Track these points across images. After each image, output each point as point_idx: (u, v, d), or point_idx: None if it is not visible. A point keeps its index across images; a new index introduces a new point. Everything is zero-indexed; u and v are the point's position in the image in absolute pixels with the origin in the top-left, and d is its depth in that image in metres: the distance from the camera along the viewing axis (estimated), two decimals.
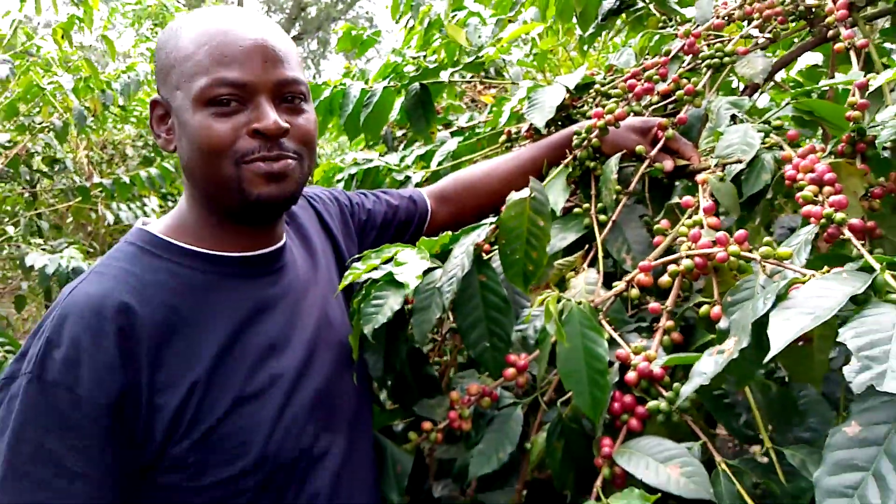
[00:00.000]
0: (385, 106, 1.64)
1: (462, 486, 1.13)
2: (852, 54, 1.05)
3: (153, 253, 0.80)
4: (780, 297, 0.61)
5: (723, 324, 0.67)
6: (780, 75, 1.62)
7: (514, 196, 0.88)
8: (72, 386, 0.69)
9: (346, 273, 0.85)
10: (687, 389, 0.65)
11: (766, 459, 0.69)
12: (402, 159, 1.54)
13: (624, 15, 1.74)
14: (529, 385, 0.92)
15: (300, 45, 25.13)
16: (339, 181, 1.80)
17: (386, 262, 0.84)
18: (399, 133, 2.69)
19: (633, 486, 0.64)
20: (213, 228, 0.83)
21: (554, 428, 0.83)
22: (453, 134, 1.81)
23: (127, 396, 0.71)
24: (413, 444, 0.94)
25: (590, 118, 1.10)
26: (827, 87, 1.13)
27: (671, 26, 1.48)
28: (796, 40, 1.27)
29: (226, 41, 0.77)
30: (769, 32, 1.17)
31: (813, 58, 1.60)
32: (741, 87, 1.26)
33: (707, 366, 0.63)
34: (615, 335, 0.79)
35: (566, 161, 1.10)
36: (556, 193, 1.06)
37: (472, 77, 2.15)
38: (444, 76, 1.62)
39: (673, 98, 1.10)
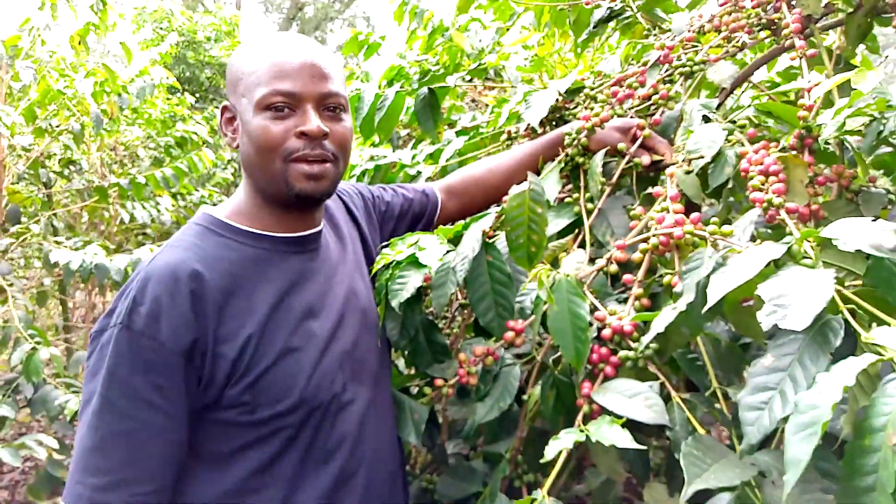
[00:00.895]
0: (396, 109, 1.81)
1: (472, 445, 1.31)
2: (825, 56, 1.22)
3: (216, 232, 0.97)
4: (720, 264, 0.78)
5: (678, 288, 0.84)
6: (762, 75, 1.79)
7: (515, 189, 1.05)
8: (154, 335, 0.86)
9: (378, 257, 1.02)
10: (647, 338, 0.82)
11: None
12: (413, 157, 1.70)
13: (614, 22, 1.91)
14: (526, 348, 1.09)
15: None
16: (352, 176, 1.98)
17: (410, 248, 1.01)
18: (403, 133, 2.86)
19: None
20: (264, 213, 1.00)
21: (547, 380, 1.00)
22: (458, 133, 1.98)
23: (196, 346, 0.88)
24: (428, 398, 1.11)
25: (579, 119, 1.27)
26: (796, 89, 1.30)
27: (654, 34, 1.65)
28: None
29: (282, 59, 0.95)
30: (738, 42, 1.34)
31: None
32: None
33: (663, 320, 0.80)
34: (595, 301, 0.96)
35: (559, 157, 1.27)
36: (551, 185, 1.23)
37: (473, 80, 2.31)
38: (450, 81, 1.79)
39: (651, 102, 1.27)
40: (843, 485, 0.58)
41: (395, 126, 1.96)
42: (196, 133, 4.65)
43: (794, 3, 1.32)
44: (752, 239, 0.91)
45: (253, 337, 0.91)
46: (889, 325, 0.68)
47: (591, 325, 0.91)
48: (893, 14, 1.26)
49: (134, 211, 4.05)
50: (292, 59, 0.95)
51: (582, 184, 1.23)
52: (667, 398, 0.84)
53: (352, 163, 1.91)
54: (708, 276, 0.76)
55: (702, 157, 1.08)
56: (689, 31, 1.33)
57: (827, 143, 1.12)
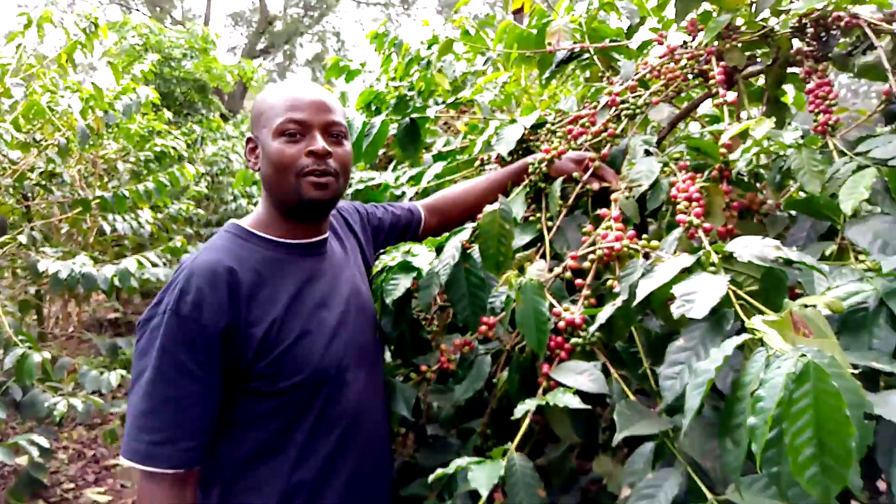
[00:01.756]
0: (382, 136, 2.03)
1: (447, 429, 1.53)
2: (745, 101, 1.48)
3: (243, 238, 1.19)
4: (647, 271, 1.01)
5: (617, 289, 1.07)
6: (707, 109, 2.05)
7: (488, 208, 1.28)
8: (198, 319, 1.07)
9: (376, 262, 1.24)
10: (593, 328, 1.05)
11: None
12: (397, 178, 1.92)
13: (574, 63, 2.16)
14: (496, 340, 1.32)
15: (267, 58, 25.31)
16: (346, 196, 2.18)
17: (403, 255, 1.23)
18: (380, 153, 3.07)
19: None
20: (280, 224, 1.22)
21: (513, 365, 1.22)
22: (434, 157, 2.20)
23: (231, 328, 1.09)
24: (414, 381, 1.33)
25: (542, 151, 1.50)
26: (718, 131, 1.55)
27: (607, 76, 1.90)
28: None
29: (295, 96, 1.18)
30: (675, 88, 1.59)
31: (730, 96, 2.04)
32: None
33: (605, 314, 1.03)
34: (553, 300, 1.19)
35: (524, 183, 1.51)
36: (517, 206, 1.47)
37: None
38: (430, 112, 2.01)
39: (601, 138, 1.52)
40: (724, 421, 0.81)
41: (380, 150, 2.17)
42: (174, 148, 4.79)
43: (722, 56, 1.58)
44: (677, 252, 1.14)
45: (276, 322, 1.12)
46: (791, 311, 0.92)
47: (549, 319, 1.13)
48: (803, 67, 1.52)
49: (115, 223, 4.18)
50: (303, 96, 1.18)
51: (543, 205, 1.47)
52: (608, 374, 1.07)
53: None
54: (638, 280, 1.00)
55: (641, 185, 1.32)
56: (633, 78, 1.58)
57: (741, 174, 1.38)
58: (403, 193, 1.82)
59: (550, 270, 1.30)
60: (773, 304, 0.96)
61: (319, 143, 1.16)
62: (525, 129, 1.59)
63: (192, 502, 1.10)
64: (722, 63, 1.53)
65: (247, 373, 1.11)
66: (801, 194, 1.23)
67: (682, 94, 1.64)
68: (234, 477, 1.14)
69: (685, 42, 1.66)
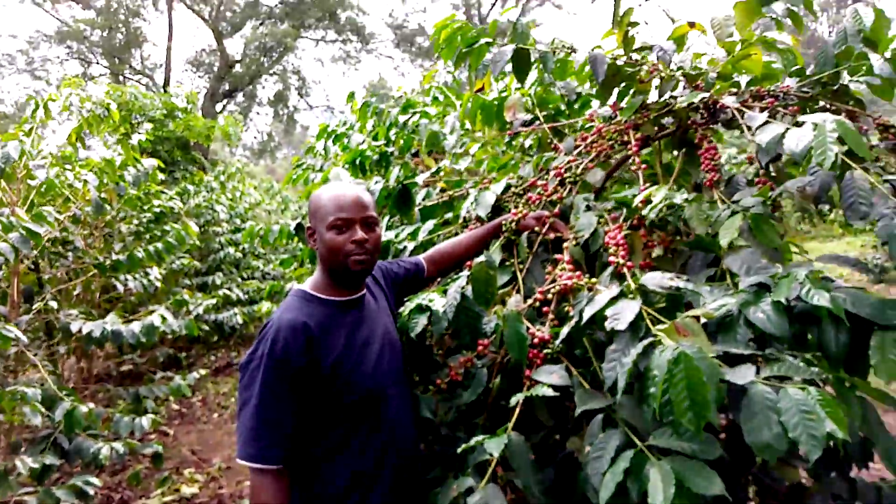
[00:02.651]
0: (380, 198, 2.52)
1: (455, 429, 2.00)
2: (657, 165, 2.00)
3: (307, 300, 1.66)
4: (590, 299, 1.52)
5: (572, 314, 1.57)
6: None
7: (477, 260, 1.78)
8: (287, 360, 1.53)
9: (402, 307, 1.74)
10: (557, 342, 1.55)
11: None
12: (397, 235, 2.41)
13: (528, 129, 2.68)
14: (489, 356, 1.81)
15: (231, 100, 25.72)
16: None
17: (422, 300, 1.72)
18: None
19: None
20: (333, 287, 1.70)
21: (505, 372, 1.71)
22: (421, 212, 2.69)
23: (309, 365, 1.56)
24: (432, 391, 1.81)
25: (511, 213, 2.01)
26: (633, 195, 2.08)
27: (555, 142, 2.42)
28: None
29: (340, 198, 1.66)
30: (603, 156, 2.12)
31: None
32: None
33: (564, 331, 1.53)
34: (528, 324, 1.68)
35: (500, 237, 2.01)
36: (496, 255, 1.97)
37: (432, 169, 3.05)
38: (418, 180, 2.51)
39: (553, 200, 2.03)
40: (641, 393, 1.31)
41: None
42: (172, 208, 5.21)
43: (638, 127, 2.11)
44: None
45: (338, 358, 1.60)
46: (675, 322, 1.42)
47: (527, 337, 1.63)
48: (698, 134, 2.05)
49: (127, 283, 4.59)
50: (346, 199, 1.66)
51: (515, 253, 1.98)
52: (570, 373, 1.57)
53: None
54: (584, 307, 1.50)
55: (583, 235, 1.83)
56: (573, 152, 2.10)
57: (652, 222, 1.90)
58: (405, 247, 2.31)
59: (525, 301, 1.80)
60: (673, 315, 1.47)
61: (359, 234, 1.64)
62: (496, 195, 2.10)
63: (286, 492, 1.56)
64: (637, 135, 2.06)
65: (320, 395, 1.58)
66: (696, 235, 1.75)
67: (611, 159, 2.17)
68: (314, 470, 1.60)
69: (610, 117, 2.19)
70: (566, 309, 1.67)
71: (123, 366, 5.62)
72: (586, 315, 1.47)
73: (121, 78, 23.83)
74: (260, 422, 1.52)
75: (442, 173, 2.84)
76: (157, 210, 5.19)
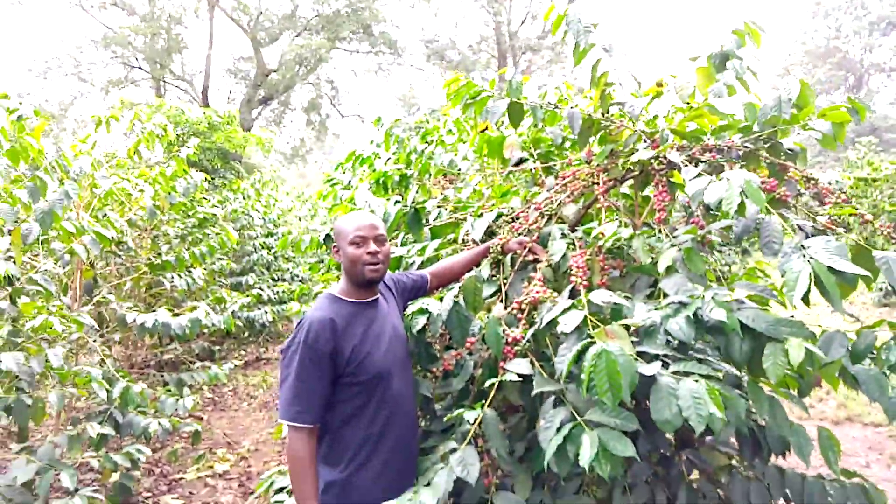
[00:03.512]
0: (395, 219, 3.01)
1: (447, 410, 2.46)
2: (621, 205, 2.47)
3: (333, 300, 2.15)
4: (550, 309, 1.98)
5: (538, 319, 2.03)
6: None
7: (468, 275, 2.26)
8: (316, 346, 2.02)
9: (406, 309, 2.22)
10: (524, 341, 2.02)
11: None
12: (408, 251, 2.89)
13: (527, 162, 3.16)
14: (475, 352, 2.28)
15: (265, 107, 26.56)
16: None
17: (422, 304, 2.20)
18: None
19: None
20: (353, 291, 2.18)
21: (486, 364, 2.19)
22: (431, 231, 3.17)
23: (334, 350, 2.04)
24: (429, 378, 2.29)
25: (498, 238, 2.48)
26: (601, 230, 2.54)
27: (544, 178, 2.89)
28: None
29: (358, 222, 2.15)
30: (577, 194, 2.58)
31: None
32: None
33: (530, 332, 2.00)
34: (506, 326, 2.15)
35: (489, 257, 2.49)
36: (485, 271, 2.45)
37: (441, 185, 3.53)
38: (429, 206, 3.00)
39: (533, 228, 2.50)
40: (579, 379, 1.77)
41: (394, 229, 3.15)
42: (214, 215, 5.76)
43: (607, 171, 2.58)
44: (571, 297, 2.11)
45: (356, 346, 2.08)
46: (604, 328, 1.87)
47: (503, 337, 2.09)
48: (654, 179, 2.51)
49: (173, 280, 5.13)
50: (363, 222, 2.15)
51: (501, 270, 2.45)
52: (534, 365, 2.03)
53: None
54: (545, 315, 1.96)
55: (555, 258, 2.30)
56: (553, 190, 2.57)
57: (608, 249, 2.36)
58: (414, 262, 2.79)
59: (506, 309, 2.27)
60: (609, 322, 1.93)
61: (372, 247, 2.13)
62: (489, 222, 2.58)
63: (314, 445, 2.05)
64: (606, 178, 2.52)
65: (342, 373, 2.06)
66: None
67: (583, 196, 2.63)
68: (334, 432, 2.09)
69: (587, 161, 2.66)
70: (535, 316, 2.14)
71: (166, 355, 6.18)
72: (546, 320, 1.94)
73: (161, 83, 24.72)
74: (296, 392, 2.01)
75: (452, 198, 3.33)
76: (201, 216, 5.75)
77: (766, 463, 2.33)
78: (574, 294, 2.09)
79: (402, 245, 3.17)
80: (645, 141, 2.50)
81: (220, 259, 6.16)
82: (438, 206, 3.30)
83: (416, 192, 3.60)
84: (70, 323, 3.61)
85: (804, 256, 1.87)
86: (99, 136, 4.75)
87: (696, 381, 1.72)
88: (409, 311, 2.28)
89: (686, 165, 2.30)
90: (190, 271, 5.30)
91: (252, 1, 24.93)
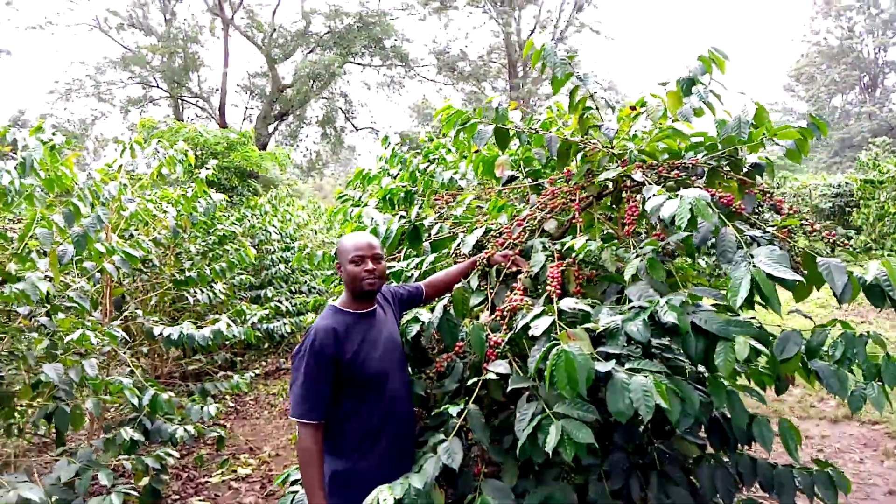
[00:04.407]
0: (397, 236, 3.30)
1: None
2: (596, 219, 2.74)
3: (336, 311, 2.44)
4: (524, 315, 2.25)
5: (516, 325, 2.30)
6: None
7: (457, 285, 2.53)
8: (322, 351, 2.30)
9: (402, 318, 2.50)
10: (502, 343, 2.29)
11: None
12: (407, 265, 3.18)
13: (517, 181, 3.43)
14: (464, 355, 2.56)
15: (281, 123, 27.11)
16: None
17: (415, 314, 2.48)
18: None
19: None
20: (353, 303, 2.47)
21: (473, 366, 2.46)
22: (431, 245, 3.45)
23: (336, 355, 2.32)
24: (423, 381, 2.57)
25: (486, 251, 2.76)
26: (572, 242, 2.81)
27: (530, 195, 3.16)
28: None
29: (357, 242, 2.44)
30: (558, 210, 2.85)
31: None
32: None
33: (508, 336, 2.27)
34: (489, 331, 2.42)
35: (477, 269, 2.76)
36: (474, 282, 2.72)
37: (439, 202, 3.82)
38: (428, 222, 3.28)
39: (516, 242, 2.77)
40: (544, 375, 2.04)
41: (396, 246, 3.44)
42: (234, 232, 6.09)
43: (584, 188, 2.84)
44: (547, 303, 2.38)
45: (356, 352, 2.36)
46: (567, 331, 2.13)
47: (486, 341, 2.36)
48: (626, 195, 2.77)
49: (196, 295, 5.46)
50: (361, 241, 2.44)
51: (488, 280, 2.72)
52: (511, 365, 2.30)
53: None
54: (520, 320, 2.23)
55: (534, 269, 2.57)
56: (536, 206, 2.84)
57: (582, 260, 2.62)
58: (412, 275, 3.07)
59: (491, 315, 2.54)
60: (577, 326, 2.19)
61: (370, 265, 2.41)
62: (478, 237, 2.86)
63: (321, 439, 2.32)
64: (583, 195, 2.79)
65: (343, 375, 2.34)
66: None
67: (563, 211, 2.90)
68: (336, 426, 2.37)
69: (566, 180, 2.93)
70: (514, 322, 2.41)
71: (190, 366, 6.51)
72: (520, 325, 2.21)
73: (179, 101, 25.33)
74: (304, 392, 2.29)
75: (448, 213, 3.61)
76: (220, 233, 6.08)
77: (734, 451, 2.57)
78: (548, 301, 2.36)
79: (404, 259, 3.45)
80: (616, 161, 2.76)
81: (239, 274, 6.48)
82: (438, 221, 3.59)
83: (420, 208, 3.88)
84: (104, 336, 3.94)
85: (749, 264, 2.12)
86: (124, 160, 5.10)
87: (646, 376, 1.98)
88: (403, 320, 2.56)
89: (649, 183, 2.56)
90: (212, 286, 5.62)
91: (265, 18, 25.50)
